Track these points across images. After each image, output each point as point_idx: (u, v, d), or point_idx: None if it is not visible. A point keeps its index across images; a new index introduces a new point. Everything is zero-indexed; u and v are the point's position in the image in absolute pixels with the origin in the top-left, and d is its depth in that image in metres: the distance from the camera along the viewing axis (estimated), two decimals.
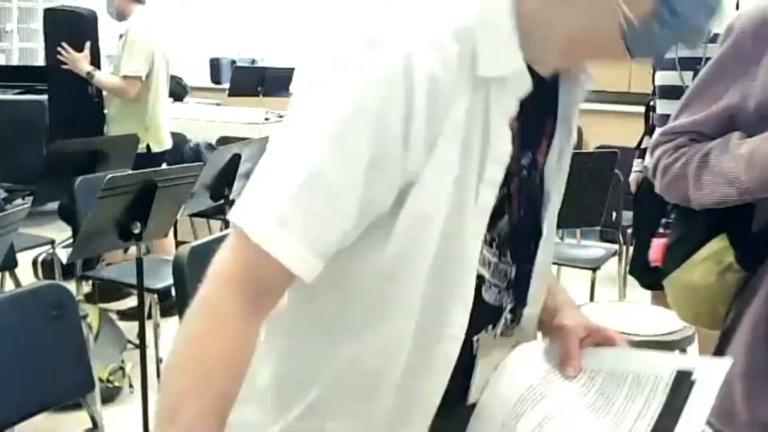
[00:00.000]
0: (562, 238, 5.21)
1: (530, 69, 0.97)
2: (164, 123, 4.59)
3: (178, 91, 6.62)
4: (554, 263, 4.01)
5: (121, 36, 4.44)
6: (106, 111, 4.68)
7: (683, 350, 2.63)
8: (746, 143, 1.37)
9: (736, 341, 1.42)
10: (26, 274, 4.16)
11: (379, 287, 0.98)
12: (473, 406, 1.09)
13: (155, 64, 4.42)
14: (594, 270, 3.93)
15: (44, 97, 6.39)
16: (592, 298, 3.89)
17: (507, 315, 1.09)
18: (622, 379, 1.02)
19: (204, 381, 0.90)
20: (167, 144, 4.62)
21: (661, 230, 1.58)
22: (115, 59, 4.49)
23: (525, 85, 0.97)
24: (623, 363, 1.05)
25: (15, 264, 3.64)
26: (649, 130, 3.67)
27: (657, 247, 1.55)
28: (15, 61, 8.14)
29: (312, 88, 0.94)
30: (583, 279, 3.86)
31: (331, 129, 0.90)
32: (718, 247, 1.43)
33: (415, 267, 0.96)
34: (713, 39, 2.04)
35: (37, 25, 8.22)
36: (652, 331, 2.61)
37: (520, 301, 1.10)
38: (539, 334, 1.18)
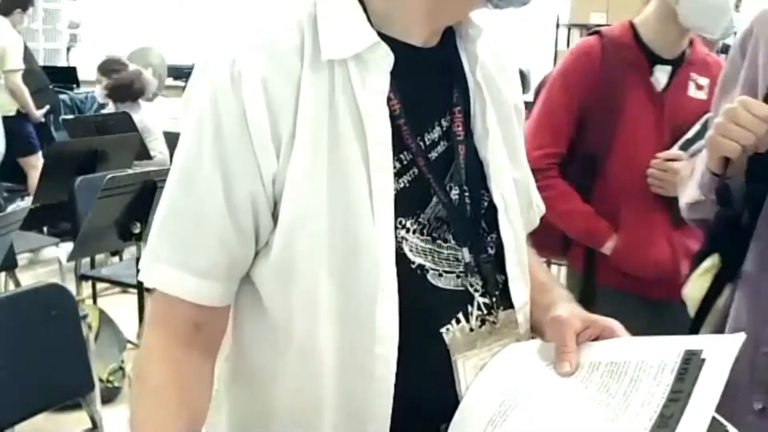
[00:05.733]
0: None
1: (399, 42, 0.97)
2: None
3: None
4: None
5: None
6: None
7: None
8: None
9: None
10: (26, 274, 4.16)
11: (282, 300, 0.96)
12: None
13: None
14: None
15: None
16: None
17: (479, 299, 1.01)
18: (624, 369, 0.92)
19: (156, 411, 0.98)
20: None
21: None
22: None
23: (387, 59, 0.95)
24: (625, 352, 0.95)
25: (15, 264, 3.63)
26: None
27: None
28: None
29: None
30: None
31: (182, 156, 0.96)
32: (709, 264, 1.58)
33: (307, 271, 0.93)
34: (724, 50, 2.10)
35: (38, 25, 8.22)
36: None
37: (492, 282, 1.03)
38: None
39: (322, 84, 0.94)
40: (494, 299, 1.02)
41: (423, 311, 0.97)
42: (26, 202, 4.68)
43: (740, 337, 0.89)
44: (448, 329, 0.99)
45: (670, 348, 0.92)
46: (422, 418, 0.97)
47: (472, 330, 1.00)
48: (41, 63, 8.10)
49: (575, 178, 2.09)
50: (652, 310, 2.02)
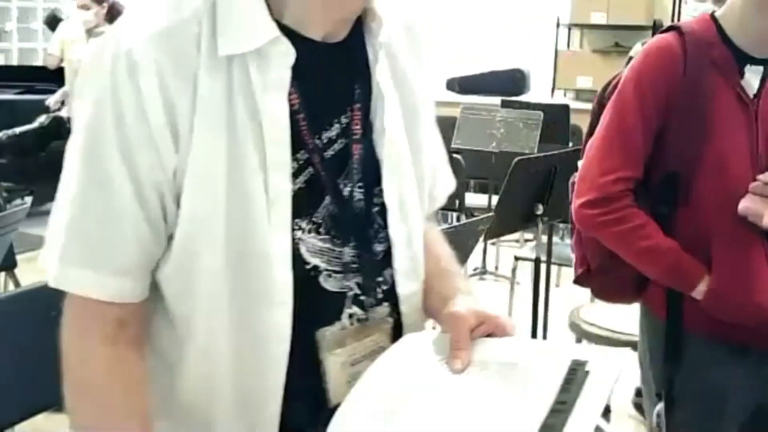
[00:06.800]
0: (562, 238, 5.19)
1: (300, 36, 0.95)
2: None
3: None
4: (554, 263, 3.95)
5: None
6: None
7: None
8: None
9: None
10: (26, 274, 4.16)
11: (183, 299, 0.96)
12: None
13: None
14: None
15: (44, 96, 6.40)
16: (592, 299, 3.87)
17: (358, 298, 1.01)
18: (513, 373, 0.93)
19: (93, 411, 0.98)
20: None
21: None
22: None
23: (289, 55, 0.93)
24: (516, 355, 0.96)
25: (15, 264, 3.63)
26: None
27: None
28: (15, 61, 8.14)
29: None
30: None
31: (81, 155, 0.94)
32: None
33: (206, 272, 0.93)
34: None
35: (37, 24, 8.22)
36: None
37: (371, 279, 1.02)
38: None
39: (220, 82, 0.92)
40: (374, 296, 1.03)
41: (311, 314, 0.97)
42: (26, 202, 4.67)
43: (626, 353, 0.92)
44: (324, 334, 0.99)
45: (558, 356, 0.94)
46: (305, 419, 0.99)
47: (343, 329, 1.01)
48: (41, 63, 8.12)
49: (652, 205, 1.70)
50: (751, 363, 1.69)
